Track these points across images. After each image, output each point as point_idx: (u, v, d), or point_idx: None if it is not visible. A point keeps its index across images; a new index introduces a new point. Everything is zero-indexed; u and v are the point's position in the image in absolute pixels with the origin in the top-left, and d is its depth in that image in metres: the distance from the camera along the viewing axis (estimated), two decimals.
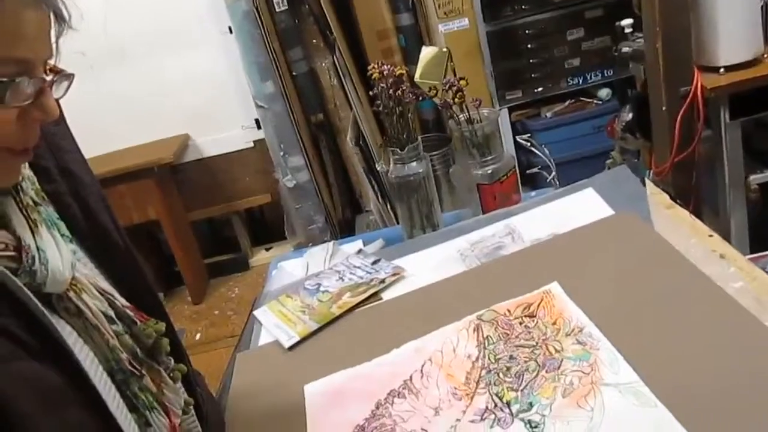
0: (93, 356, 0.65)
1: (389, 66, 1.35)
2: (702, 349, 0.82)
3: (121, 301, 0.72)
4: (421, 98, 1.49)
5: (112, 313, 0.69)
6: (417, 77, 1.45)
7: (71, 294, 0.65)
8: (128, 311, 0.72)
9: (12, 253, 0.60)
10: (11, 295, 0.57)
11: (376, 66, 1.36)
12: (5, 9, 0.53)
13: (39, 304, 0.59)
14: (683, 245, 1.02)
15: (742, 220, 1.81)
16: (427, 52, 1.47)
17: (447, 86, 1.38)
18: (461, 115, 1.41)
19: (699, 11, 1.71)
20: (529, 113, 2.95)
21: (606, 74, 2.88)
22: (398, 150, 1.38)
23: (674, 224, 1.09)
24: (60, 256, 0.64)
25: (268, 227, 3.63)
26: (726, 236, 1.82)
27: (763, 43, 1.73)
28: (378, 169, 1.71)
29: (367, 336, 1.07)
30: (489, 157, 1.42)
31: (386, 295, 1.17)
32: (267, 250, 3.68)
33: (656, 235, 1.06)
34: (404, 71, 1.36)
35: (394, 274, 1.20)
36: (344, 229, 2.93)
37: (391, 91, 1.35)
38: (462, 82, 1.37)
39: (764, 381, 0.75)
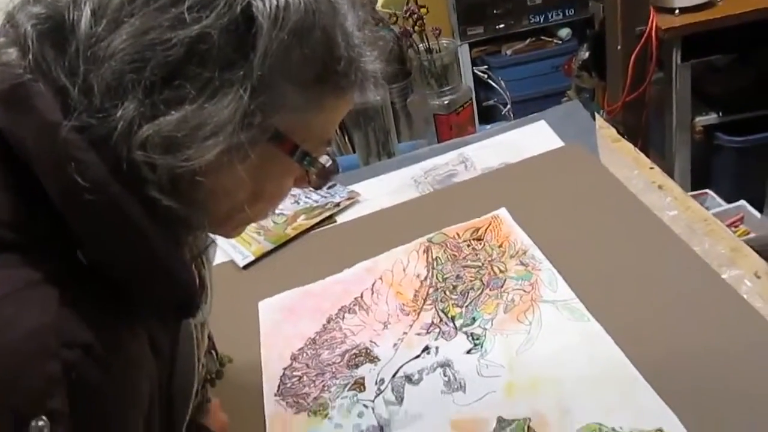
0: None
1: None
2: (634, 271, 0.88)
3: (210, 330, 0.72)
4: (381, 26, 1.48)
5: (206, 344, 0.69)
6: (379, 5, 1.44)
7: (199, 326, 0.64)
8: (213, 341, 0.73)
9: None
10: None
11: None
12: (349, 102, 0.55)
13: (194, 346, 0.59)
14: (626, 176, 1.07)
15: (685, 160, 1.88)
16: None
17: (407, 14, 1.38)
18: (420, 45, 1.42)
19: None
20: (489, 50, 2.95)
21: (567, 14, 2.88)
22: None
23: (619, 157, 1.14)
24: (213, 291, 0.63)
25: None
26: (670, 175, 1.90)
27: None
28: None
29: (320, 256, 1.10)
30: (446, 88, 1.44)
31: (340, 219, 1.19)
32: None
33: (601, 167, 1.10)
34: None
35: (348, 198, 1.23)
36: None
37: None
38: (422, 11, 1.37)
39: (689, 297, 0.82)
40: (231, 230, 0.60)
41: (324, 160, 0.55)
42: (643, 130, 1.82)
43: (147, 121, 0.45)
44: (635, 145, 1.24)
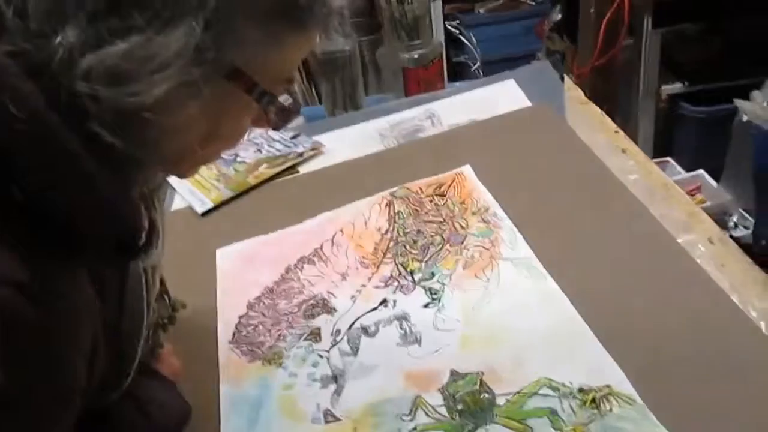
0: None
1: None
2: (592, 231, 0.88)
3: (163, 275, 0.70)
4: None
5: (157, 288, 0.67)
6: None
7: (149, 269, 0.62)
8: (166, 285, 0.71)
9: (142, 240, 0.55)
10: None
11: None
12: (311, 40, 0.52)
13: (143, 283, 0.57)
14: (591, 139, 1.07)
15: (649, 127, 1.90)
16: None
17: None
18: None
19: None
20: (462, 7, 2.90)
21: None
22: None
23: (585, 119, 1.14)
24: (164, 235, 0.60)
25: None
26: (633, 141, 1.92)
27: None
28: None
29: (281, 206, 1.08)
30: (417, 41, 1.41)
31: (303, 169, 1.18)
32: None
33: (567, 128, 1.10)
34: None
35: (312, 149, 1.21)
36: None
37: None
38: None
39: (644, 259, 0.83)
40: (185, 170, 0.58)
41: (284, 99, 0.53)
42: (610, 96, 1.83)
43: (90, 50, 0.42)
44: (602, 109, 1.25)
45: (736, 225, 1.57)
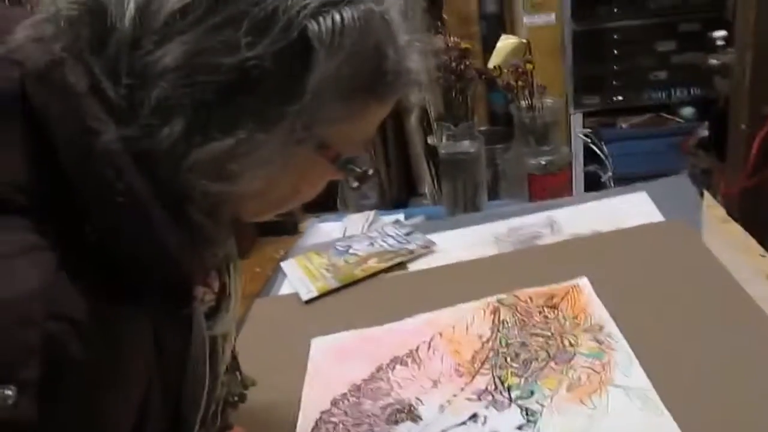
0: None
1: (455, 38, 1.32)
2: (725, 366, 0.76)
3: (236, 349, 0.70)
4: (489, 84, 1.46)
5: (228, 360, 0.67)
6: (491, 64, 1.42)
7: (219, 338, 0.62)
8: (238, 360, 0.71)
9: (212, 303, 0.58)
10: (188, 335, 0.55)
11: (443, 37, 1.34)
12: (390, 106, 0.54)
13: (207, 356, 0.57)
14: (732, 262, 0.95)
15: None
16: (505, 42, 1.43)
17: (513, 68, 1.35)
18: (523, 102, 1.37)
19: None
20: (604, 121, 2.84)
21: (692, 92, 2.74)
22: (452, 126, 1.35)
23: (726, 240, 1.03)
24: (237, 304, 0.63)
25: (322, 196, 3.64)
26: None
27: None
28: (429, 142, 1.70)
29: (384, 302, 1.05)
30: (545, 148, 1.38)
31: (413, 267, 1.15)
32: (317, 216, 3.70)
33: (703, 248, 0.99)
34: (469, 46, 1.32)
35: (424, 247, 1.18)
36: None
37: (453, 65, 1.32)
38: (528, 66, 1.33)
39: None
40: (259, 219, 0.59)
41: (363, 162, 0.54)
42: (763, 221, 1.66)
43: (196, 145, 0.44)
44: (754, 234, 1.12)
45: None
